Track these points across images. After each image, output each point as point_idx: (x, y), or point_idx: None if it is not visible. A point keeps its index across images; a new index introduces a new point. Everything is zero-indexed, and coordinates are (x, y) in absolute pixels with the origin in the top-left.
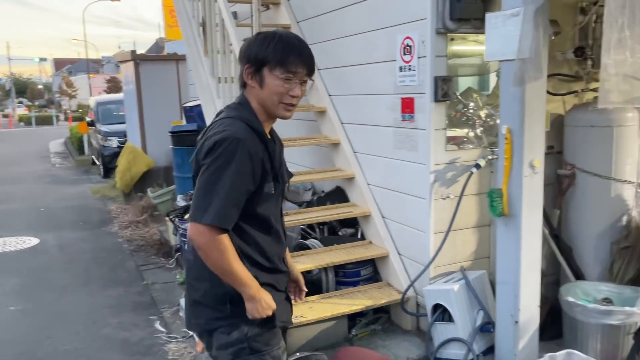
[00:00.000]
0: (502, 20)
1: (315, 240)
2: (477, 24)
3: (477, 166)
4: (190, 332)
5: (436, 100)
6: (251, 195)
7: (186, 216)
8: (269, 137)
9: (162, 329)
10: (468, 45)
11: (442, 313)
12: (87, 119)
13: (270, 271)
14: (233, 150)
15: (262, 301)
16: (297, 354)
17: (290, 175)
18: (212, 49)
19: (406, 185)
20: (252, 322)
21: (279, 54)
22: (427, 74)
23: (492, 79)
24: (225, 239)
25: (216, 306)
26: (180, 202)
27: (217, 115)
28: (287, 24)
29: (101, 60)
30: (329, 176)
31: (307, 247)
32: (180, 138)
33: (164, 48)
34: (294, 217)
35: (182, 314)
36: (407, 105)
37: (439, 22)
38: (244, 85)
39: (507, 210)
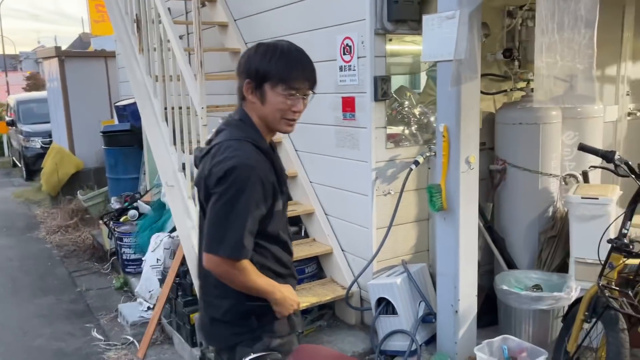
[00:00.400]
0: (439, 22)
1: None
2: (413, 25)
3: (416, 163)
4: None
5: (376, 99)
6: (263, 217)
7: (122, 219)
8: (272, 149)
9: (99, 336)
10: (405, 45)
11: (385, 306)
12: (7, 118)
13: (285, 277)
14: (245, 179)
15: (287, 299)
16: (252, 354)
17: (286, 177)
18: (149, 47)
19: (349, 182)
20: (273, 333)
21: (282, 70)
22: (367, 74)
23: (423, 78)
24: (243, 264)
25: (239, 322)
26: (115, 204)
27: (217, 133)
28: (224, 22)
29: (19, 56)
30: None
31: None
32: (112, 138)
33: (90, 44)
34: None
35: (120, 319)
36: (348, 104)
37: (377, 23)
38: (243, 98)
39: (446, 205)
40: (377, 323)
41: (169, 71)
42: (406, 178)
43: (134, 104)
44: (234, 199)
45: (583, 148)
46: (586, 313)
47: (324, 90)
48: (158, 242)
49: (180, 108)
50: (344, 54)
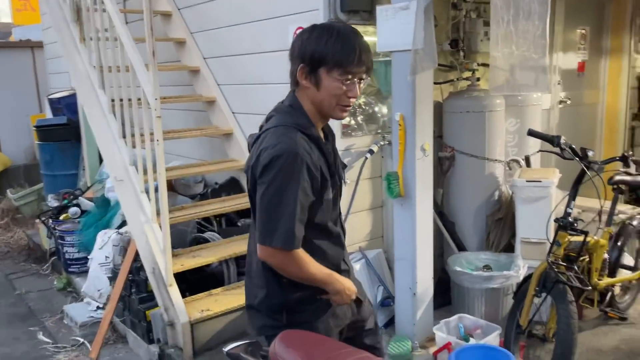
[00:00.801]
0: (393, 13)
1: (213, 233)
2: (365, 16)
3: (371, 152)
4: None
5: None
6: (311, 205)
7: (62, 217)
8: (322, 137)
9: (47, 339)
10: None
11: None
12: None
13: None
14: (291, 166)
15: (345, 290)
16: (233, 343)
17: (345, 166)
18: (94, 36)
19: None
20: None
21: (338, 55)
22: None
23: None
24: (299, 253)
25: (270, 314)
26: (52, 202)
27: (267, 119)
28: (167, 11)
29: None
30: (224, 167)
31: (206, 241)
32: (47, 133)
33: (10, 34)
34: (190, 211)
35: (66, 321)
36: None
37: (331, 14)
38: (296, 84)
39: (403, 192)
40: None
41: (117, 61)
42: (362, 167)
43: (70, 96)
44: (283, 189)
45: (532, 133)
46: (537, 288)
47: (277, 81)
48: (105, 239)
49: (129, 100)
50: None
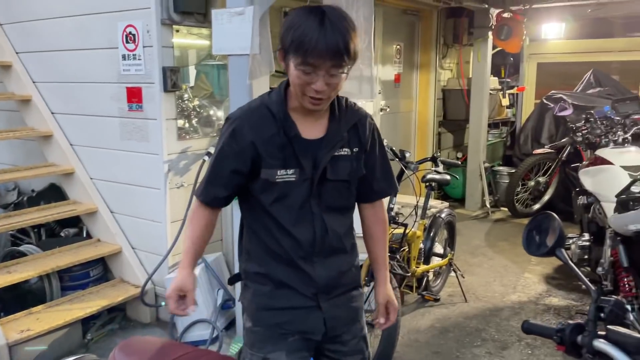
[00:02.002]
0: (228, 17)
1: (31, 246)
2: (200, 18)
3: (208, 154)
4: None
5: (166, 90)
6: (250, 179)
7: None
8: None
9: None
10: (192, 39)
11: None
12: None
13: (287, 264)
14: (224, 130)
15: (170, 291)
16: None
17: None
18: None
19: (138, 176)
20: (248, 313)
21: (296, 42)
22: (154, 64)
23: (192, 72)
24: (200, 210)
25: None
26: None
27: None
28: None
29: None
30: (43, 172)
31: (23, 254)
32: None
33: None
34: (2, 222)
35: None
36: (134, 95)
37: (164, 13)
38: None
39: None
40: (175, 317)
41: None
42: (199, 170)
43: None
44: (215, 149)
45: None
46: (366, 278)
47: (104, 80)
48: None
49: None
50: (127, 42)
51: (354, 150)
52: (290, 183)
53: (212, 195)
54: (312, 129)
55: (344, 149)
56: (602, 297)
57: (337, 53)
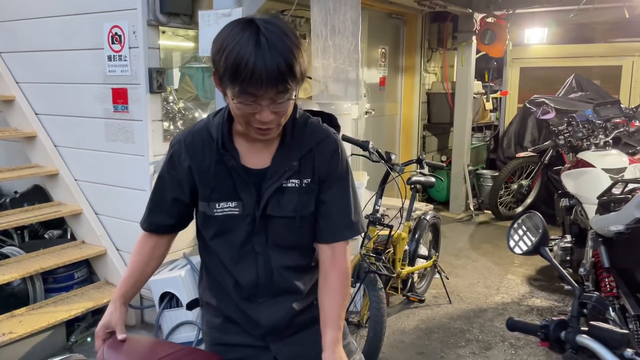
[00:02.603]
0: (215, 19)
1: (14, 248)
2: (186, 20)
3: None
4: None
5: (152, 91)
6: (193, 209)
7: None
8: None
9: None
10: (176, 41)
11: (169, 301)
12: None
13: (234, 301)
14: (166, 154)
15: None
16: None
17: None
18: None
19: (123, 178)
20: (204, 343)
21: (230, 69)
22: (140, 65)
23: (177, 75)
24: (144, 239)
25: None
26: None
27: None
28: None
29: None
30: (26, 173)
31: (6, 256)
32: None
33: None
34: None
35: None
36: (120, 96)
37: (150, 14)
38: None
39: None
40: (161, 319)
41: None
42: None
43: None
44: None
45: (345, 139)
46: (352, 279)
47: (89, 80)
48: None
49: None
50: (113, 43)
51: (305, 182)
52: (233, 217)
53: (155, 223)
54: (258, 157)
55: (291, 180)
56: (585, 294)
57: (280, 78)
